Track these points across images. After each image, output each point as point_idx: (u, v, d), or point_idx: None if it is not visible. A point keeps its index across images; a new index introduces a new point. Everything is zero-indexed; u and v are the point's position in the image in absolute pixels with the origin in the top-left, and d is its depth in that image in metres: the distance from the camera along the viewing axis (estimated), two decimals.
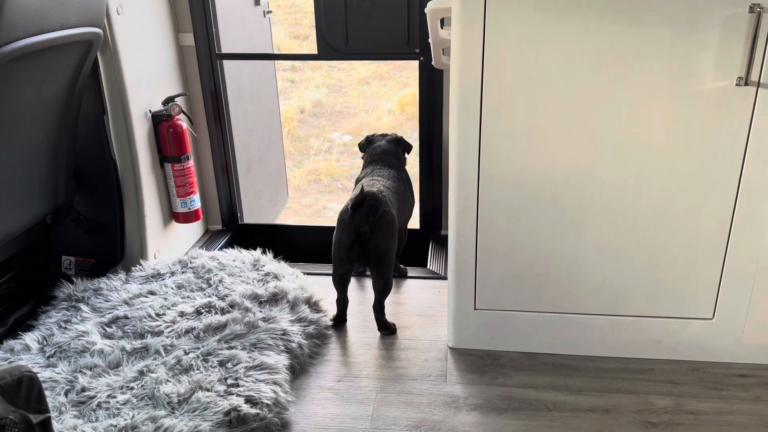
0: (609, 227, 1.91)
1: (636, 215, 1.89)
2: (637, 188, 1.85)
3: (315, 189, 5.14)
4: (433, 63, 2.30)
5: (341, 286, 2.22)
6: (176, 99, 2.54)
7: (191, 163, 2.58)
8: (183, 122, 2.53)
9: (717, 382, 1.94)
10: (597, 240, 1.93)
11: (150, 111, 2.46)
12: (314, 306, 2.27)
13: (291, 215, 4.65)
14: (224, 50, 2.78)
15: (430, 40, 2.18)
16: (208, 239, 2.94)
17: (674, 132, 1.78)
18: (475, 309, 2.07)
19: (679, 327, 1.99)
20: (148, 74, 2.44)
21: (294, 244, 3.03)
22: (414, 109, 6.08)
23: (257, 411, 1.71)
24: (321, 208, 4.85)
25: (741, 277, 1.91)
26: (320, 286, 2.38)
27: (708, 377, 1.97)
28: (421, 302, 2.42)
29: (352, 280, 2.40)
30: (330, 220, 4.60)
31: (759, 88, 1.68)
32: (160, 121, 2.48)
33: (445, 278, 2.50)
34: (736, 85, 1.69)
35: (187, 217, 2.65)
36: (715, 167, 1.80)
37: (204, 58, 2.72)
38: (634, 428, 1.77)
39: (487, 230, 1.96)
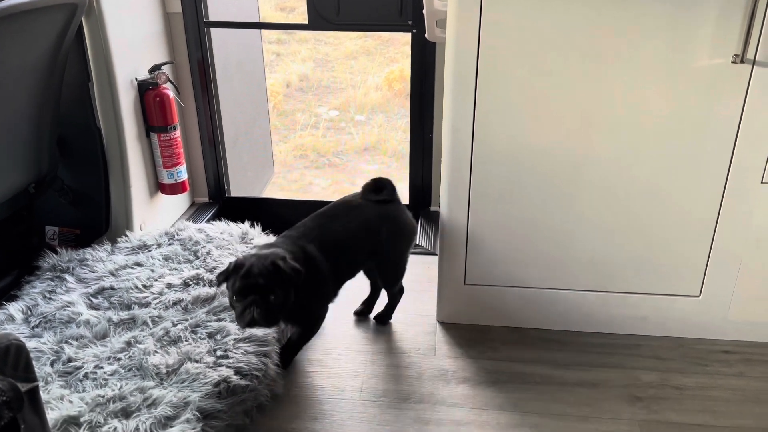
0: (600, 204, 1.91)
1: (627, 193, 1.89)
2: (630, 165, 1.85)
3: (301, 164, 5.09)
4: (426, 35, 2.27)
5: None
6: (163, 67, 2.48)
7: (178, 133, 2.53)
8: (170, 91, 2.47)
9: (702, 357, 1.98)
10: (588, 217, 1.93)
11: (136, 79, 2.40)
12: None
13: (277, 190, 4.61)
14: (212, 18, 2.71)
15: (424, 12, 2.15)
16: (195, 211, 2.90)
17: (668, 109, 1.78)
18: (464, 284, 2.08)
19: (667, 304, 2.02)
20: (134, 41, 2.38)
21: (282, 218, 2.99)
22: (401, 86, 6.03)
23: (247, 382, 1.71)
24: (307, 183, 4.82)
25: (728, 256, 1.93)
26: None
27: (693, 353, 1.99)
28: (411, 277, 2.39)
29: None
30: (316, 195, 4.57)
31: (754, 66, 1.68)
32: (146, 90, 2.42)
33: (434, 254, 2.50)
34: (732, 62, 1.69)
35: (174, 189, 2.61)
36: (708, 146, 1.81)
37: (191, 25, 2.65)
38: (620, 402, 1.80)
39: (478, 206, 1.95)
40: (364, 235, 1.96)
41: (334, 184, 4.76)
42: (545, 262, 2.01)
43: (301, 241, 1.85)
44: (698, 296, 1.99)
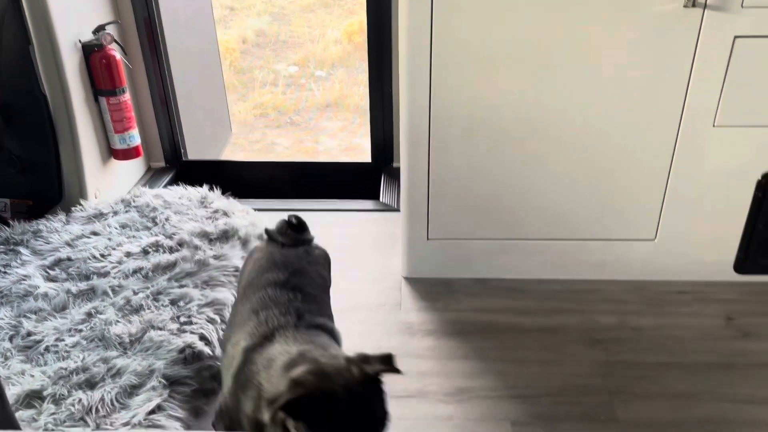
0: (557, 154, 1.93)
1: (582, 141, 1.90)
2: (584, 114, 1.86)
3: (262, 124, 4.99)
4: None
5: None
6: (107, 27, 2.38)
7: (127, 96, 2.45)
8: (116, 53, 2.38)
9: (658, 299, 2.04)
10: (545, 167, 1.95)
11: (80, 41, 2.30)
12: None
13: (238, 151, 4.53)
14: None
15: None
16: (151, 177, 2.84)
17: (621, 56, 1.78)
18: (428, 239, 2.09)
19: (624, 248, 2.06)
20: (75, 1, 2.27)
21: (242, 180, 2.96)
22: (361, 39, 5.91)
23: (211, 349, 1.70)
24: (269, 143, 4.73)
25: (682, 199, 1.97)
26: (272, 222, 2.34)
27: (650, 295, 2.06)
28: (374, 234, 2.43)
29: None
30: (279, 155, 4.50)
31: (706, 10, 1.69)
32: (91, 52, 2.32)
33: (397, 210, 2.50)
34: (684, 6, 1.69)
35: (127, 154, 2.54)
36: (660, 91, 1.82)
37: None
38: (580, 345, 1.85)
39: (439, 161, 1.95)
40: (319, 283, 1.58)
41: (297, 143, 4.69)
42: (505, 213, 2.03)
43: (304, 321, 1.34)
44: (654, 239, 2.04)
